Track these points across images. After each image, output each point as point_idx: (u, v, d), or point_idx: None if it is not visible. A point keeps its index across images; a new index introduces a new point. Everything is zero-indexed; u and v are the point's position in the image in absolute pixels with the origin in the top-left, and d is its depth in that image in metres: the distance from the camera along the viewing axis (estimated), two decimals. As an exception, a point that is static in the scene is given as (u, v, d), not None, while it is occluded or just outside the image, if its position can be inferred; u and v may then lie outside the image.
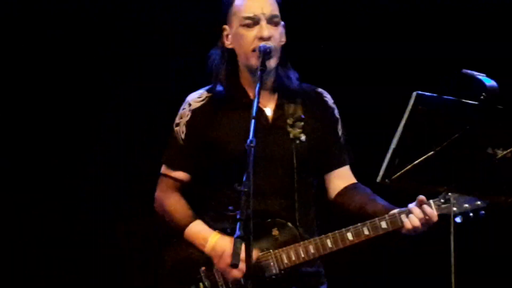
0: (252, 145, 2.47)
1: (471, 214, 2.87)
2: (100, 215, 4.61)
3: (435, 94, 2.64)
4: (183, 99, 3.01)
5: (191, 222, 2.85)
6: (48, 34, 4.76)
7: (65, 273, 4.70)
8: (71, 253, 4.67)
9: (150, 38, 4.69)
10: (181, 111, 2.90)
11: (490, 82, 2.70)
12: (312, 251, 2.77)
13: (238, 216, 2.44)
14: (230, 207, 2.74)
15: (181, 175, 2.89)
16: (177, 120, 2.90)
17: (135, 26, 4.67)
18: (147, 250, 4.41)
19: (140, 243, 4.63)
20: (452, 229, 2.71)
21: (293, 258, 2.78)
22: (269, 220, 2.80)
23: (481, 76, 2.73)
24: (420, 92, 2.58)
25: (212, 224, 2.87)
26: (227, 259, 2.67)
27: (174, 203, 2.91)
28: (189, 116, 2.86)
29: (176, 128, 2.89)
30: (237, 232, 2.37)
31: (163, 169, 2.94)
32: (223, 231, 2.79)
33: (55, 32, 4.77)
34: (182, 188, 2.94)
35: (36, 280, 4.70)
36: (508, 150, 2.70)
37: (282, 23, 2.84)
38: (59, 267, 4.71)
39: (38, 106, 4.81)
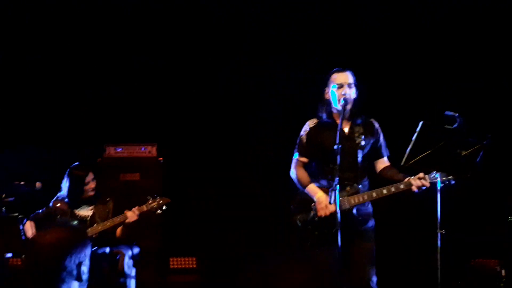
0: (339, 146, 3.93)
1: (447, 183, 4.10)
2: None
3: (431, 122, 4.02)
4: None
5: (308, 184, 4.23)
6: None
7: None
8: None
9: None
10: (304, 127, 4.28)
11: (459, 117, 4.11)
12: (365, 197, 4.13)
13: (333, 181, 3.89)
14: (329, 176, 4.09)
15: (303, 159, 4.30)
16: (301, 132, 4.29)
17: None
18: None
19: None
20: (438, 191, 4.04)
21: (356, 201, 4.14)
22: (345, 182, 4.13)
23: (455, 114, 4.14)
24: (424, 121, 4.03)
25: (320, 184, 4.20)
26: (326, 201, 4.09)
27: (301, 174, 4.28)
28: (307, 130, 4.29)
29: (302, 136, 4.29)
30: (331, 188, 3.87)
31: (296, 156, 4.28)
32: (324, 187, 4.15)
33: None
34: (304, 166, 4.30)
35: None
36: (467, 151, 4.11)
37: (355, 87, 4.22)
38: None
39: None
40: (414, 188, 4.05)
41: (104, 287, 4.53)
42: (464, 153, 4.13)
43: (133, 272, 4.77)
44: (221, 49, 5.99)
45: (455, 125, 4.11)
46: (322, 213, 4.09)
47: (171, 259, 5.86)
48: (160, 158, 5.84)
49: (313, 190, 4.20)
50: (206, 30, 5.83)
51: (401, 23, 5.78)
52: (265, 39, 5.80)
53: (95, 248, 4.78)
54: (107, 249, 4.78)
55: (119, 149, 5.84)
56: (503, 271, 5.13)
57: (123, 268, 4.57)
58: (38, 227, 4.80)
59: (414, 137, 4.05)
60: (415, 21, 5.74)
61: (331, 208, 4.02)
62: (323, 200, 4.08)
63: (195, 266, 5.82)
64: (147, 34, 5.98)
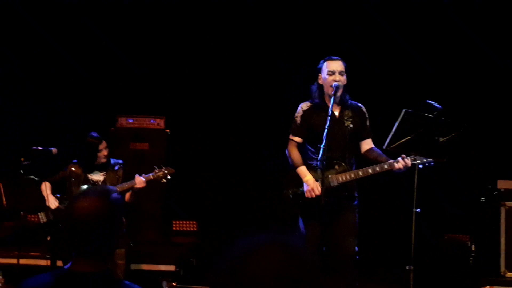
0: (327, 127, 3.92)
1: (426, 164, 4.15)
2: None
3: (413, 110, 4.09)
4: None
5: (300, 165, 4.21)
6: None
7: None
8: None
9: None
10: (298, 109, 4.25)
11: (439, 106, 4.20)
12: (352, 176, 4.13)
13: (319, 158, 3.90)
14: (315, 155, 4.08)
15: (297, 139, 4.28)
16: (296, 114, 4.27)
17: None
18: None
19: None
20: (416, 171, 4.12)
21: (344, 179, 4.14)
22: (334, 161, 4.14)
23: (435, 103, 4.21)
24: (407, 109, 4.09)
25: (309, 162, 4.19)
26: (313, 184, 4.04)
27: (294, 153, 4.26)
28: (301, 112, 4.27)
29: (296, 118, 4.27)
30: (319, 165, 3.89)
31: (290, 136, 4.27)
32: (312, 165, 4.13)
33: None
34: (298, 146, 4.28)
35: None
36: (445, 138, 4.17)
37: (345, 74, 4.21)
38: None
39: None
40: (397, 168, 4.09)
41: None
42: (441, 139, 4.18)
43: None
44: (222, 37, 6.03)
45: (435, 113, 4.16)
46: (308, 195, 4.12)
47: (174, 222, 5.97)
48: (167, 130, 5.89)
49: (303, 172, 4.20)
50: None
51: (401, 23, 5.73)
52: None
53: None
54: None
55: (130, 120, 5.87)
56: (473, 246, 5.18)
57: None
58: (53, 189, 4.89)
59: (396, 123, 4.12)
60: (415, 20, 5.68)
61: (317, 191, 4.07)
62: (311, 183, 4.09)
63: (195, 229, 5.93)
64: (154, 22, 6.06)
